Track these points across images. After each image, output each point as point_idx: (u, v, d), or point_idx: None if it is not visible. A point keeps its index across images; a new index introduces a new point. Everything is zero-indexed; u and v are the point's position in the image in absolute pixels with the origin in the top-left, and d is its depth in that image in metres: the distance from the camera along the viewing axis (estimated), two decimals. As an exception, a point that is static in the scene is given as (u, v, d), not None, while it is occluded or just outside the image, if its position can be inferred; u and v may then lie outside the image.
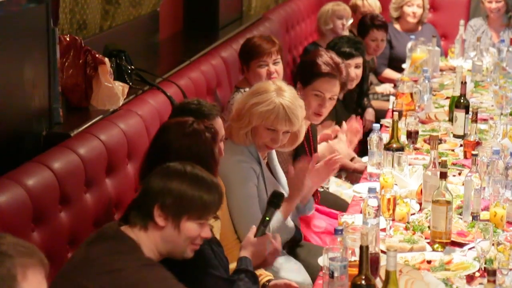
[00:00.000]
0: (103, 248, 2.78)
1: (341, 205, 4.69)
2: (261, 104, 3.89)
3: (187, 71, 5.01)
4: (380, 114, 6.36)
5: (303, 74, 4.58)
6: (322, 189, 4.94)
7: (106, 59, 4.08)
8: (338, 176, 5.38)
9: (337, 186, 5.12)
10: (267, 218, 3.45)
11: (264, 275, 3.65)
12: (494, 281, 2.85)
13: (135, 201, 2.93)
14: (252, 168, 3.90)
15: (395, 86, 6.77)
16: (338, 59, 4.58)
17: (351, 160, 5.57)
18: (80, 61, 4.00)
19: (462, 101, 5.15)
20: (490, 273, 2.86)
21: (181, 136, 3.27)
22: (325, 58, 4.53)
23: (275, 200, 3.50)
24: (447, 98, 5.95)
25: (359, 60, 5.58)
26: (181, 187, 2.85)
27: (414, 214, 3.99)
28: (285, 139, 3.96)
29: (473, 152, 3.99)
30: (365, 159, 4.76)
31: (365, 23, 6.81)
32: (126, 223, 2.89)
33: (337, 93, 4.54)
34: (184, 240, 2.88)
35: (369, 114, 6.60)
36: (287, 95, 3.93)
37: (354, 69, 5.55)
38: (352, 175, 5.37)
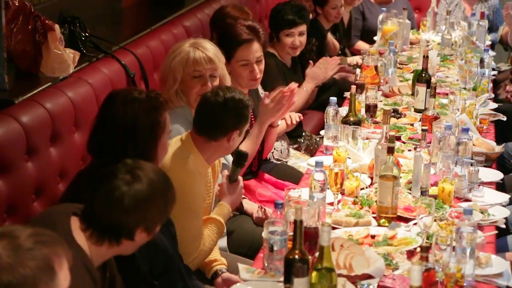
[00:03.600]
0: None
1: (297, 178, 4.66)
2: (177, 56, 4.01)
3: (146, 40, 4.94)
4: (348, 87, 6.31)
5: (223, 50, 4.48)
6: (279, 162, 4.92)
7: (56, 26, 4.01)
8: (298, 148, 5.36)
9: (295, 159, 5.10)
10: (234, 178, 3.61)
11: (218, 261, 3.65)
12: (426, 258, 2.83)
13: (100, 219, 2.63)
14: None
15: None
16: (249, 22, 4.55)
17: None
18: (29, 27, 3.93)
19: (423, 75, 5.12)
20: (423, 249, 2.84)
21: (120, 104, 3.19)
22: (237, 27, 4.49)
23: (239, 159, 3.61)
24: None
25: (302, 28, 5.57)
26: (158, 209, 2.69)
27: (363, 188, 3.97)
28: (215, 83, 4.00)
29: (423, 128, 3.96)
30: (323, 132, 4.73)
31: None
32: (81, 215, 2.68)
33: (261, 54, 4.51)
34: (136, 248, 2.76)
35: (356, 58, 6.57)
36: (200, 43, 4.04)
37: (298, 37, 5.54)
38: (311, 148, 5.35)
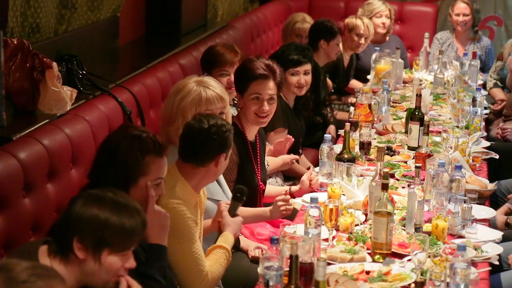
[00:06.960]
0: None
1: (291, 215, 4.68)
2: (187, 96, 4.03)
3: (142, 78, 5.00)
4: (342, 125, 6.36)
5: (237, 83, 4.64)
6: (274, 199, 4.94)
7: (54, 63, 4.07)
8: (293, 185, 5.38)
9: (290, 196, 5.12)
10: (233, 212, 3.68)
11: None
12: (421, 293, 2.86)
13: (56, 227, 2.73)
14: None
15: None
16: (268, 61, 4.64)
17: (307, 169, 5.59)
18: (27, 65, 3.99)
19: (417, 113, 5.18)
20: (417, 285, 2.87)
21: (119, 131, 3.26)
22: (256, 63, 4.59)
23: (239, 194, 3.69)
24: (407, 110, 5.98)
25: (307, 67, 5.59)
26: (100, 217, 2.66)
27: (358, 225, 4.00)
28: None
29: (416, 165, 4.00)
30: (317, 169, 4.77)
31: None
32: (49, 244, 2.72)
33: (274, 94, 4.58)
34: (105, 273, 2.70)
35: (331, 130, 6.61)
36: (206, 81, 4.09)
37: (303, 76, 5.55)
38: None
